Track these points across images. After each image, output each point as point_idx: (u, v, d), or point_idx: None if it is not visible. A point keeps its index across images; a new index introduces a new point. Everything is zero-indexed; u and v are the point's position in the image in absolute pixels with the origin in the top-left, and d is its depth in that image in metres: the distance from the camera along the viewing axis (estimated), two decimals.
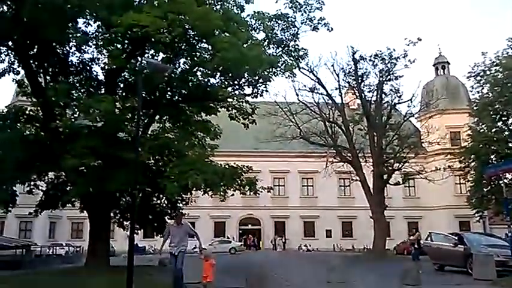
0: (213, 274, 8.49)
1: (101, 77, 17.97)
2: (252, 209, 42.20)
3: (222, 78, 17.44)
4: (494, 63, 28.67)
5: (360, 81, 29.21)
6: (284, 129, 29.25)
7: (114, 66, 15.72)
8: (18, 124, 18.26)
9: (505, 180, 20.92)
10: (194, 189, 16.30)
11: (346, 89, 31.89)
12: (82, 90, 17.33)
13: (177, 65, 17.07)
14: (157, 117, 18.31)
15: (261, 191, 17.98)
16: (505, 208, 17.16)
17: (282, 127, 29.10)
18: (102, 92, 16.47)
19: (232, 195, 17.54)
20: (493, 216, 33.39)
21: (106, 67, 17.39)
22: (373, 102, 29.41)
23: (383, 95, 29.16)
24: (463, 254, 14.57)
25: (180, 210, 6.36)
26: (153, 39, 14.20)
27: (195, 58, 16.40)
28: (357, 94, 30.08)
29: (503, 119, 28.72)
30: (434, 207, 42.06)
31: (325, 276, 11.17)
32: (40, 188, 19.71)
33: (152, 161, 16.95)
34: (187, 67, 16.93)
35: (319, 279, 11.32)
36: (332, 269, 11.26)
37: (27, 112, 18.17)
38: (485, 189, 28.92)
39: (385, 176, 28.16)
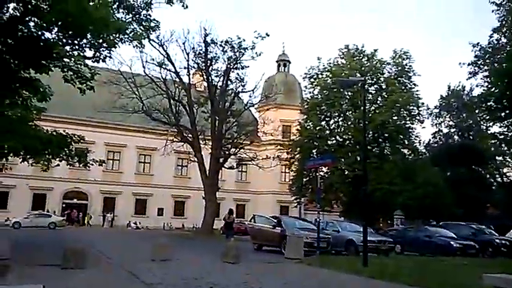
0: None
1: None
2: (80, 182, 39.31)
3: (59, 34, 15.53)
4: (326, 69, 32.46)
5: (208, 64, 29.59)
6: (126, 101, 27.88)
7: None
8: None
9: (321, 173, 24.06)
10: (11, 154, 14.37)
11: (195, 70, 32.01)
12: None
13: (5, 9, 14.60)
14: None
15: (92, 164, 16.85)
16: (317, 196, 19.73)
17: (124, 98, 27.67)
18: None
19: (58, 165, 16.06)
20: (307, 203, 38.10)
21: None
22: (219, 87, 30.20)
23: (228, 82, 30.14)
24: (279, 235, 16.22)
25: None
26: None
27: (29, 5, 14.26)
28: (205, 77, 30.42)
29: (326, 119, 32.85)
30: (261, 192, 45.81)
31: (150, 253, 11.09)
32: None
33: None
34: (18, 14, 14.62)
35: (144, 257, 11.18)
36: (158, 246, 11.24)
37: None
38: (304, 179, 32.81)
39: (221, 160, 29.33)
